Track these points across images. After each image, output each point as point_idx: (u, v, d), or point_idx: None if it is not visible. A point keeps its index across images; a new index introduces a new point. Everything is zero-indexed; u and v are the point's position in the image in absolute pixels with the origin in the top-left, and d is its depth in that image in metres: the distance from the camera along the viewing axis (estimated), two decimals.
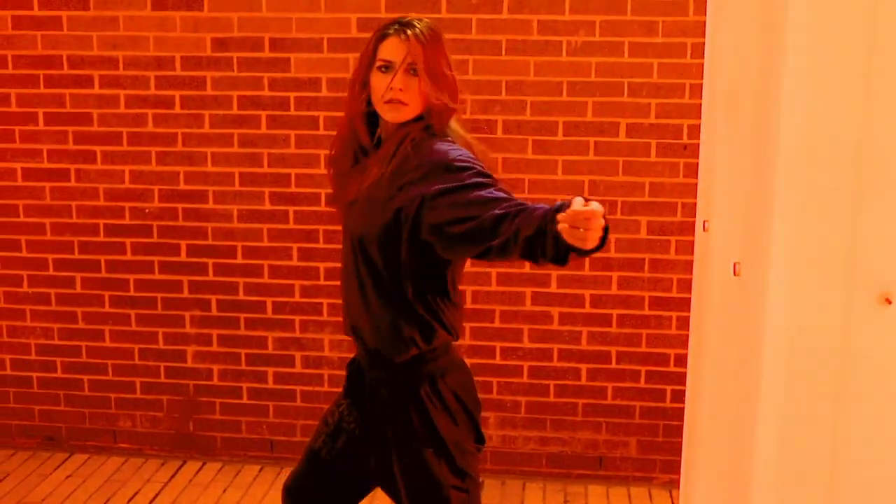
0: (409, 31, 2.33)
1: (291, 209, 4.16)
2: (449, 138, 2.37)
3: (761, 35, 1.69)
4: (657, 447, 4.17)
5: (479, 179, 2.17)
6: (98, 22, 4.10)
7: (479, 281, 4.11)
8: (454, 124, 2.43)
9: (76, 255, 4.30)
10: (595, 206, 1.82)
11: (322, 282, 4.18)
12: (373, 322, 2.41)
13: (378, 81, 2.34)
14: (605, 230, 1.87)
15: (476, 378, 4.23)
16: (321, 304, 4.21)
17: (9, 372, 4.45)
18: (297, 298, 4.22)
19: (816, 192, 1.47)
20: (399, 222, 2.28)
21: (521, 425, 4.23)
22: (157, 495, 4.05)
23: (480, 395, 4.22)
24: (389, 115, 2.35)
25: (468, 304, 4.14)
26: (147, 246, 4.25)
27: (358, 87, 2.40)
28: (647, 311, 4.07)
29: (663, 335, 4.07)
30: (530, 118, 3.98)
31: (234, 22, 4.04)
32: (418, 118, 2.36)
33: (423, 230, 2.24)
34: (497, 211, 2.06)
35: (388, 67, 2.33)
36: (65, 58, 4.15)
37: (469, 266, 4.08)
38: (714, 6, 2.38)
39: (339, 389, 4.32)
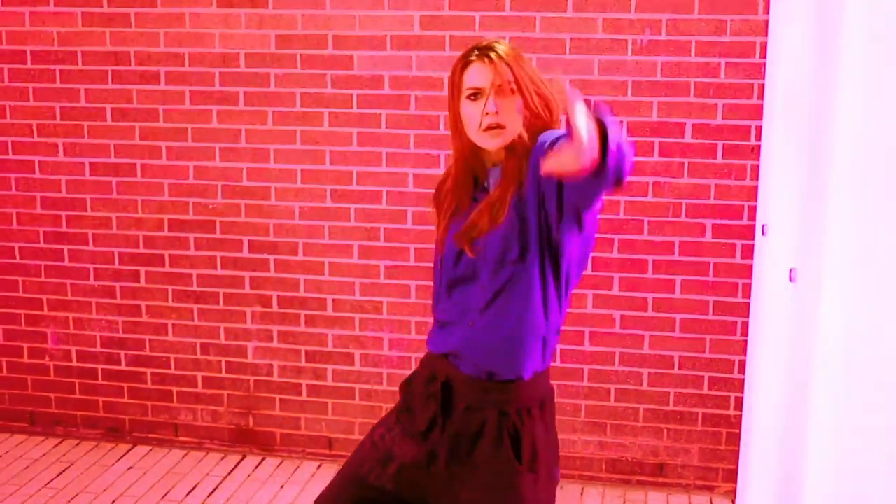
0: (491, 54, 2.26)
1: (353, 207, 4.16)
2: None
3: (817, 36, 1.63)
4: (720, 455, 4.08)
5: None
6: (165, 19, 4.14)
7: None
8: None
9: (141, 250, 4.35)
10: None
11: (382, 280, 4.18)
12: (492, 342, 2.34)
13: (471, 111, 2.26)
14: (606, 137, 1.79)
15: None
16: (381, 302, 4.20)
17: (74, 363, 4.52)
18: (356, 296, 4.21)
19: (873, 197, 1.41)
20: (525, 219, 2.22)
21: (580, 429, 4.17)
22: (215, 489, 4.08)
23: None
24: (491, 142, 2.26)
25: None
26: (210, 241, 4.29)
27: (458, 122, 2.31)
28: (711, 317, 3.98)
29: (728, 341, 3.98)
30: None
31: (298, 19, 4.05)
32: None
33: (546, 197, 2.18)
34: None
35: (478, 94, 2.25)
36: (132, 54, 4.20)
37: None
38: (776, 6, 2.30)
39: (397, 388, 4.31)
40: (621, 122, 1.88)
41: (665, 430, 4.11)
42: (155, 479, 4.16)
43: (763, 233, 1.98)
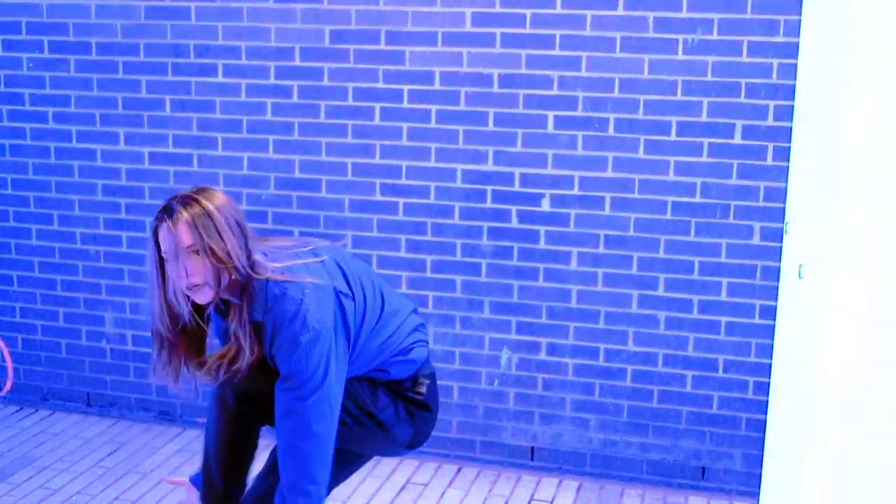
0: (169, 220, 2.31)
1: (401, 200, 4.20)
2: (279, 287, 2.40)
3: (829, 39, 1.61)
4: (762, 462, 4.02)
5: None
6: (224, 12, 4.23)
7: (585, 281, 4.06)
8: (271, 265, 2.44)
9: None
10: None
11: (428, 274, 4.21)
12: None
13: (171, 272, 2.33)
14: None
15: (578, 379, 4.19)
16: (427, 295, 4.23)
17: (130, 347, 4.64)
18: (403, 289, 4.25)
19: (881, 197, 1.38)
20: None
21: (622, 430, 4.15)
22: None
23: (582, 397, 4.18)
24: (198, 299, 2.34)
25: (573, 304, 4.09)
26: (262, 232, 4.33)
27: (161, 280, 2.40)
28: (757, 321, 3.93)
29: (773, 346, 3.93)
30: (643, 117, 3.91)
31: (353, 14, 4.10)
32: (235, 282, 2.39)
33: None
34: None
35: (170, 258, 2.31)
36: (191, 47, 4.30)
37: (575, 265, 4.06)
38: (808, 7, 2.27)
39: (439, 382, 4.32)
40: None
41: (708, 434, 4.07)
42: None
43: (787, 231, 1.96)
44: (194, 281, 2.29)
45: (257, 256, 2.40)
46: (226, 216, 2.35)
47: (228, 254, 2.31)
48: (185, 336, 2.48)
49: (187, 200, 2.34)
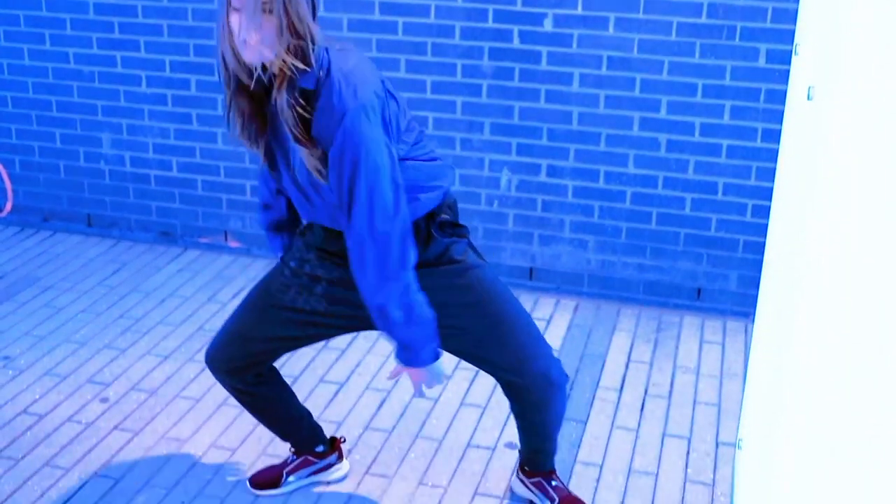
0: None
1: (401, 20, 4.11)
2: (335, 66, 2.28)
3: None
4: (758, 283, 4.08)
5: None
6: None
7: (587, 103, 4.02)
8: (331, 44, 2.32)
9: (192, 58, 4.37)
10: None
11: (428, 95, 4.16)
12: None
13: (233, 22, 2.22)
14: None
15: (578, 200, 4.19)
16: (427, 116, 4.20)
17: (128, 168, 4.63)
18: None
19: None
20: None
21: (620, 251, 4.20)
22: None
23: (581, 218, 4.19)
24: (246, 56, 2.22)
25: (574, 126, 4.07)
26: None
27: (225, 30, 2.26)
28: (759, 144, 3.92)
29: (774, 169, 3.93)
30: None
31: None
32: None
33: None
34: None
35: (237, 8, 2.20)
36: None
37: (577, 87, 4.00)
38: None
39: None
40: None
41: (705, 255, 4.12)
42: (203, 281, 4.32)
43: (795, 52, 1.91)
44: (254, 38, 2.20)
45: (319, 31, 2.32)
46: None
47: (299, 18, 2.21)
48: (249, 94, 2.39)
49: None
